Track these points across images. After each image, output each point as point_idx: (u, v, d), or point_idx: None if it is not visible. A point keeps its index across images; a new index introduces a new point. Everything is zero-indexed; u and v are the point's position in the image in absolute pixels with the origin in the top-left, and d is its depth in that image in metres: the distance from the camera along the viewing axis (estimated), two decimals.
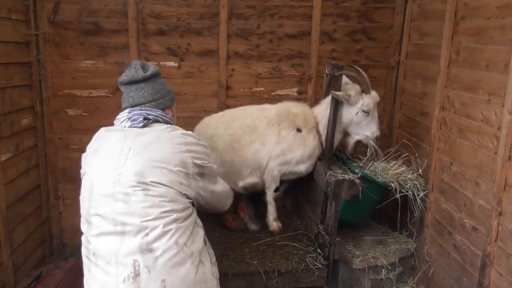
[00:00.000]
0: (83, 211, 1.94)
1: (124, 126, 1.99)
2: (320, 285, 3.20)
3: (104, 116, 3.81)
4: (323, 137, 3.45)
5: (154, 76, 2.10)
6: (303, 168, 3.48)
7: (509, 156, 2.47)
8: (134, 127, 1.95)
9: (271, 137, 3.39)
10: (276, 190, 3.52)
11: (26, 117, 3.44)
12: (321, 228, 3.28)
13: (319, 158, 3.53)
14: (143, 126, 1.96)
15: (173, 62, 3.85)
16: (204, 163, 2.02)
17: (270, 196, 3.51)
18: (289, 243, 3.38)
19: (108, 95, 3.81)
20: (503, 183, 2.51)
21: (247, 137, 3.40)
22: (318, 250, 3.25)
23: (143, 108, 2.03)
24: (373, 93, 3.37)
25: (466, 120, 2.93)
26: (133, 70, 2.05)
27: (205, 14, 3.78)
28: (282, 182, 3.57)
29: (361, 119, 3.38)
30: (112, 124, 2.10)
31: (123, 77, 2.07)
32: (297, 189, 4.08)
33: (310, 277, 3.14)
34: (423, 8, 3.68)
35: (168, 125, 2.04)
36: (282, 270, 3.08)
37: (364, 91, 3.32)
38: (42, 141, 3.70)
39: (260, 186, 3.54)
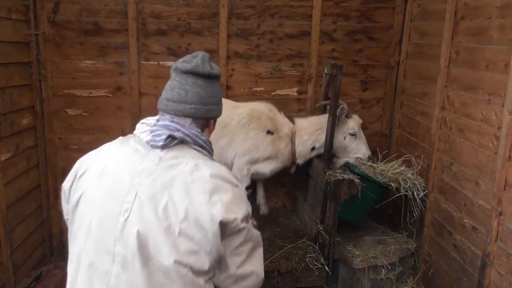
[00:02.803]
0: (72, 248, 1.54)
1: (142, 139, 1.57)
2: (320, 285, 3.21)
3: (104, 116, 3.81)
4: (299, 149, 3.53)
5: (217, 78, 1.72)
6: (268, 169, 3.54)
7: (509, 156, 2.47)
8: (152, 144, 1.53)
9: (239, 136, 3.45)
10: (247, 188, 3.54)
11: (26, 117, 3.44)
12: (321, 228, 3.28)
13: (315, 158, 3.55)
14: (163, 147, 1.52)
15: (173, 62, 3.83)
16: (232, 219, 1.44)
17: None
18: (289, 243, 3.39)
19: (108, 95, 3.80)
20: (503, 183, 2.51)
21: (218, 131, 3.42)
22: (318, 250, 3.25)
23: (175, 120, 1.58)
24: (355, 116, 3.55)
25: (466, 120, 2.92)
26: (200, 61, 1.64)
27: (205, 14, 3.78)
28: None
29: (349, 143, 3.50)
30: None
31: (184, 64, 1.64)
32: (297, 189, 4.08)
33: (310, 277, 3.14)
34: (423, 8, 3.68)
35: (197, 155, 1.57)
36: (282, 270, 3.08)
37: (347, 115, 3.45)
38: (42, 141, 3.70)
39: None
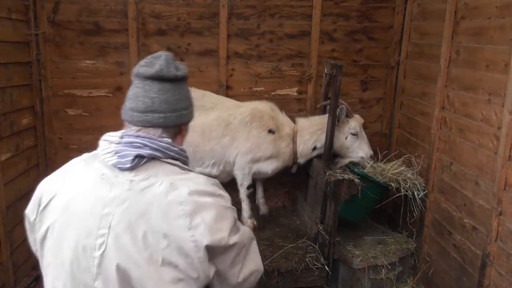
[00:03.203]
0: (46, 284, 1.44)
1: (107, 162, 1.41)
2: (320, 285, 3.21)
3: (104, 116, 3.81)
4: (300, 148, 3.53)
5: (185, 79, 1.54)
6: (269, 168, 3.55)
7: (509, 156, 2.47)
8: (119, 166, 1.38)
9: (241, 135, 3.46)
10: (249, 187, 3.57)
11: (26, 117, 3.44)
12: (321, 228, 3.28)
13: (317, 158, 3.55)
14: (132, 168, 1.38)
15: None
16: (218, 240, 1.35)
17: (243, 193, 3.57)
18: (289, 243, 3.39)
19: (108, 95, 3.80)
20: (503, 183, 2.50)
21: (220, 130, 3.46)
22: (318, 250, 3.25)
23: (141, 134, 1.43)
24: (356, 116, 3.56)
25: (466, 120, 2.92)
26: (164, 63, 1.47)
27: (205, 14, 3.78)
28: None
29: (351, 143, 3.51)
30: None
31: (146, 68, 1.46)
32: (297, 189, 4.08)
33: (310, 277, 3.14)
34: (423, 8, 3.68)
35: (170, 170, 1.43)
36: (282, 270, 3.08)
37: (348, 115, 3.46)
38: (42, 141, 3.70)
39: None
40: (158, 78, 1.44)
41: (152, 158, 1.40)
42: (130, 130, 1.45)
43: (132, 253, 1.30)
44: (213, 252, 1.35)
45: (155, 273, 1.29)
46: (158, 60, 1.46)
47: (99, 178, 1.40)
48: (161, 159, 1.42)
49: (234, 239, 1.40)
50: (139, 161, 1.38)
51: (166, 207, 1.32)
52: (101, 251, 1.31)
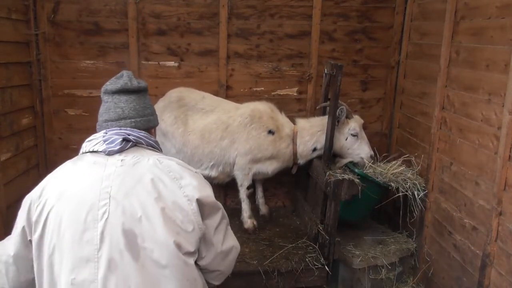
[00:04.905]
0: (40, 280, 1.57)
1: (97, 151, 1.62)
2: (320, 285, 3.21)
3: None
4: (300, 149, 3.53)
5: (146, 90, 1.82)
6: (269, 169, 3.56)
7: (509, 156, 2.47)
8: (110, 150, 1.59)
9: (241, 136, 3.46)
10: (249, 188, 3.58)
11: (26, 117, 3.44)
12: (321, 228, 3.28)
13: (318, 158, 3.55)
14: (120, 150, 1.60)
15: (173, 62, 3.85)
16: (202, 197, 1.58)
17: (243, 193, 3.58)
18: (289, 243, 3.39)
19: None
20: (503, 183, 2.51)
21: (219, 132, 3.46)
22: (318, 250, 3.25)
23: (122, 128, 1.68)
24: (356, 117, 3.56)
25: (466, 120, 2.92)
26: (127, 78, 1.75)
27: (205, 14, 3.78)
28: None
29: (351, 144, 3.51)
30: None
31: (113, 85, 1.72)
32: (297, 189, 4.08)
33: (310, 277, 3.14)
34: (423, 8, 3.68)
35: (153, 153, 1.69)
36: (282, 270, 3.08)
37: (348, 116, 3.46)
38: (42, 141, 3.70)
39: (212, 181, 3.60)
40: (124, 90, 1.71)
41: (135, 144, 1.66)
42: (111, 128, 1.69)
43: (134, 217, 1.48)
44: (203, 209, 1.59)
45: (158, 224, 1.47)
46: (122, 78, 1.75)
47: (91, 164, 1.60)
48: (143, 146, 1.69)
49: (218, 202, 1.67)
50: (126, 144, 1.62)
51: (159, 174, 1.56)
52: (103, 219, 1.47)
